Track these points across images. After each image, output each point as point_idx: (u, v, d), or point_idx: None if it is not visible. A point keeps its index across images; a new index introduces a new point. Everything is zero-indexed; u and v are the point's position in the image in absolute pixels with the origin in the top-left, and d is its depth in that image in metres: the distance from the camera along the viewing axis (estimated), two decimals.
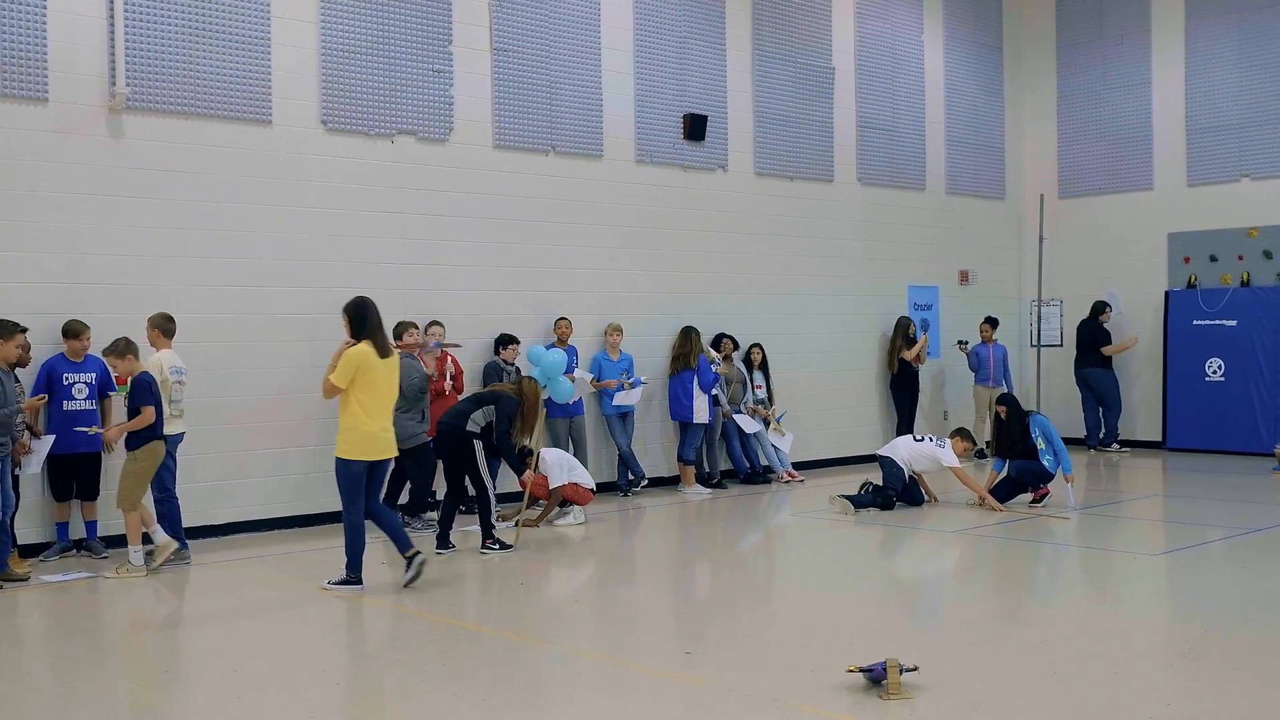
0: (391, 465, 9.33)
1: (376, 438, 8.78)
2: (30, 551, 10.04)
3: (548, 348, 12.71)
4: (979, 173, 18.41)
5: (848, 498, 12.05)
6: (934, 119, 17.75)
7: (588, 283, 13.83)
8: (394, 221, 12.32)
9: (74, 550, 10.32)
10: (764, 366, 15.19)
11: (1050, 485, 12.31)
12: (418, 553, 8.81)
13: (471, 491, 10.56)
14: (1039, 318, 18.73)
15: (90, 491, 10.27)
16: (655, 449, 14.39)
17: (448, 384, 12.17)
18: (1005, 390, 16.89)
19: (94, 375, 10.18)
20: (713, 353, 14.37)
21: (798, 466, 15.23)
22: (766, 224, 15.60)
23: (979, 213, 18.43)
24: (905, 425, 16.62)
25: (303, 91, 11.73)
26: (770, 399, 15.19)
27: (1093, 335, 17.75)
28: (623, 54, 14.16)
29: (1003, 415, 12.42)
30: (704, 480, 14.34)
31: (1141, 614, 8.05)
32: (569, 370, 12.94)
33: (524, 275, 13.27)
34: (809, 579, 9.56)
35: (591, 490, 11.87)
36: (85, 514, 10.34)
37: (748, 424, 14.63)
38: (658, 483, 14.19)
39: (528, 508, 11.50)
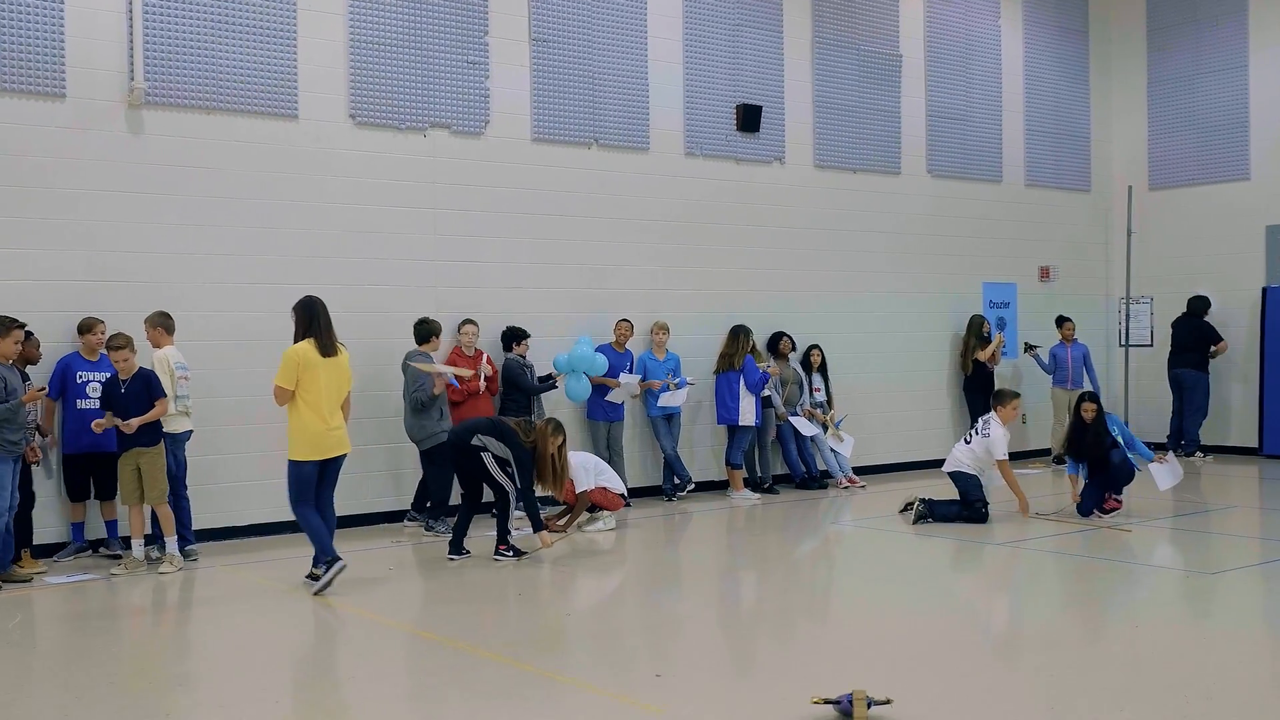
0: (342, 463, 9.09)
1: (325, 437, 8.72)
2: (47, 552, 9.95)
3: (596, 349, 12.44)
4: (1062, 163, 17.52)
5: (925, 505, 11.23)
6: (1012, 107, 16.92)
7: (633, 280, 13.39)
8: (426, 217, 12.03)
9: (91, 550, 10.20)
10: (823, 369, 14.56)
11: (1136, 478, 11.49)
12: (338, 559, 8.65)
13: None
14: (1127, 316, 17.76)
15: (108, 491, 10.13)
16: (704, 452, 13.88)
17: (481, 383, 11.81)
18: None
19: (109, 374, 10.03)
20: (764, 353, 13.83)
21: (860, 471, 14.58)
22: (827, 218, 14.98)
23: (1062, 205, 17.54)
24: None
25: (330, 85, 11.49)
26: (829, 402, 14.57)
27: (1192, 333, 16.71)
28: (671, 43, 13.68)
29: (1089, 415, 11.41)
30: (756, 485, 13.80)
31: (1214, 639, 7.33)
32: (614, 375, 12.55)
33: (564, 272, 12.89)
34: (830, 593, 9.00)
35: (622, 495, 11.42)
36: (105, 514, 10.22)
37: (805, 426, 14.04)
38: (707, 487, 13.68)
39: (568, 518, 11.16)
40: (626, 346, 12.97)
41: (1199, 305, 16.83)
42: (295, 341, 8.88)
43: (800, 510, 12.71)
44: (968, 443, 11.66)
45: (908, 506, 11.48)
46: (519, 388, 12.13)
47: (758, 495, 13.41)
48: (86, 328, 9.99)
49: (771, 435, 14.02)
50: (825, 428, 14.25)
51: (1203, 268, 17.21)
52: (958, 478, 11.47)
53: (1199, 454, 16.45)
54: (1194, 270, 17.28)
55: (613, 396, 12.65)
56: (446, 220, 12.14)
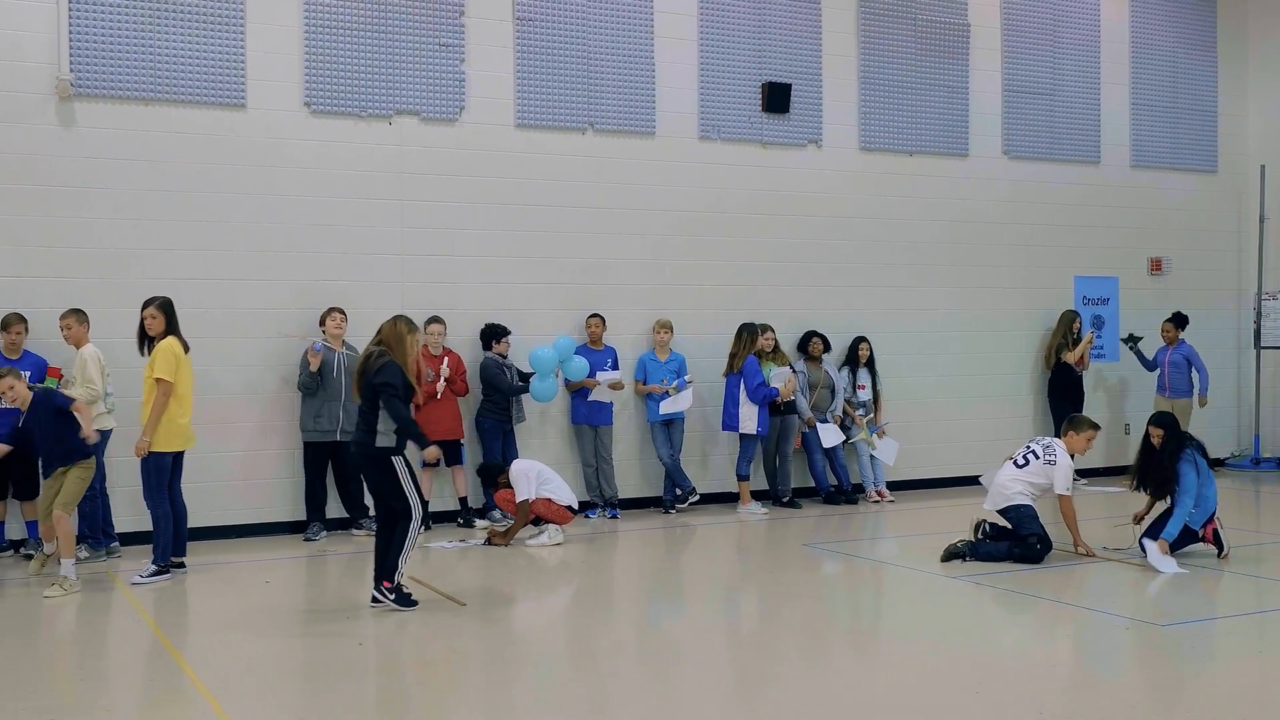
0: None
1: (187, 429, 9.09)
2: None
3: (577, 350, 11.64)
4: (1180, 142, 15.49)
5: (965, 544, 9.34)
6: (1114, 79, 15.05)
7: (635, 275, 12.44)
8: (392, 209, 11.44)
9: (12, 551, 10.05)
10: (870, 364, 13.21)
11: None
12: (170, 570, 8.70)
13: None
14: (1259, 313, 15.58)
15: (27, 489, 9.94)
16: (720, 461, 12.79)
17: (440, 385, 11.13)
18: (1197, 398, 14.19)
19: (28, 372, 9.83)
20: (786, 355, 12.64)
21: (912, 486, 13.22)
22: (875, 206, 13.61)
23: (1179, 189, 15.51)
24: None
25: (282, 73, 11.03)
26: (876, 403, 13.22)
27: None
28: (683, 18, 12.66)
29: (1155, 441, 9.42)
30: (776, 498, 12.63)
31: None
32: (591, 374, 11.68)
33: (553, 267, 12.07)
34: (749, 636, 7.86)
35: (570, 507, 10.50)
36: (25, 514, 10.05)
37: (829, 436, 12.76)
38: (721, 499, 12.60)
39: (509, 530, 10.37)
40: (605, 343, 12.03)
41: None
42: (153, 337, 8.95)
43: (804, 529, 11.48)
44: (1019, 466, 9.67)
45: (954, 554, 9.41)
46: (497, 388, 11.42)
47: (765, 509, 12.24)
48: (6, 326, 9.82)
49: (795, 444, 12.81)
50: (863, 430, 12.92)
51: None
52: (1009, 513, 9.49)
53: None
54: None
55: (596, 395, 11.75)
56: (415, 212, 11.51)
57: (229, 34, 10.83)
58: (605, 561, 10.09)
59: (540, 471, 10.48)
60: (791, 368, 12.65)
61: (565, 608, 8.63)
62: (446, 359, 11.26)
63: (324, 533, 10.81)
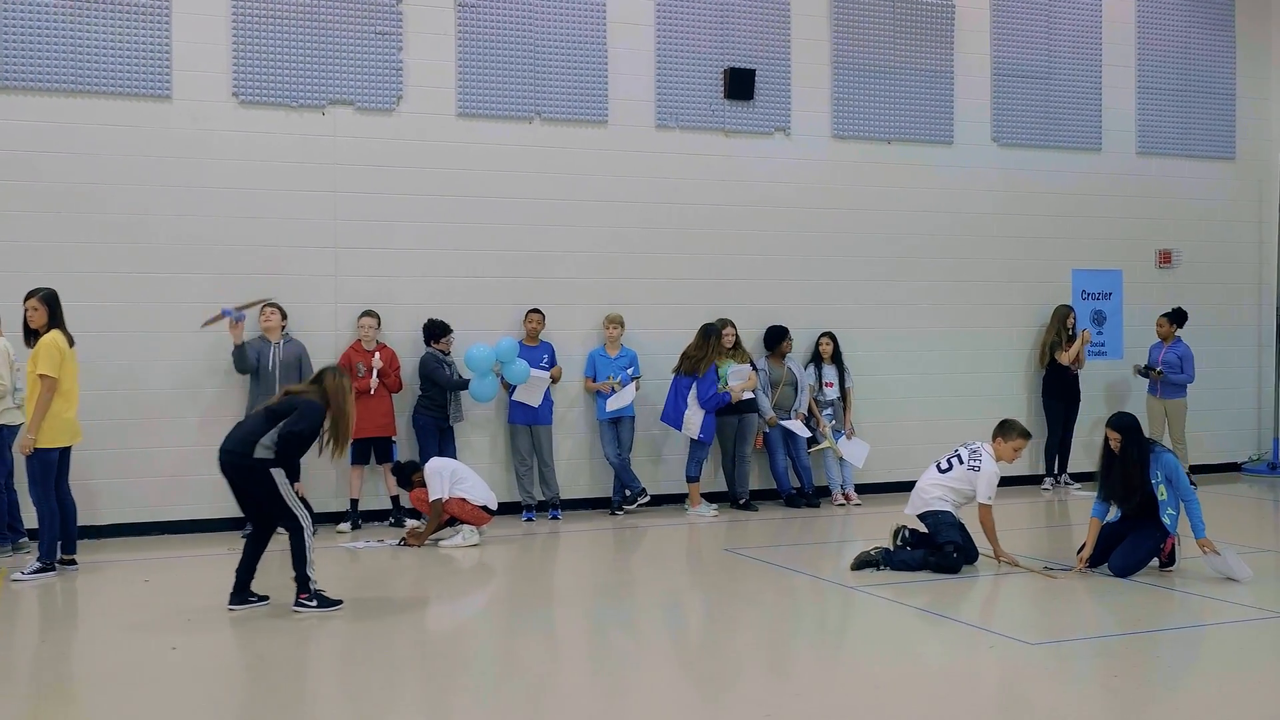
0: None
1: (74, 424, 8.93)
2: None
3: (520, 350, 11.31)
4: (1193, 127, 14.60)
5: (880, 552, 8.77)
6: (1118, 61, 14.23)
7: (586, 269, 12.05)
8: (325, 201, 11.21)
9: None
10: (837, 360, 12.63)
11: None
12: (54, 567, 8.39)
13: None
14: (1278, 309, 14.63)
15: None
16: (676, 461, 12.24)
17: (373, 381, 10.87)
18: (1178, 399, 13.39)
19: None
20: (749, 353, 12.17)
21: (885, 489, 12.63)
22: (850, 196, 13.03)
23: (1193, 177, 14.63)
24: (1055, 442, 13.45)
25: (210, 63, 10.86)
26: (844, 401, 12.64)
27: None
28: (639, 2, 12.23)
29: (1115, 444, 8.60)
30: (734, 500, 12.16)
31: None
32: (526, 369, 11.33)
33: (494, 261, 11.73)
34: (596, 647, 7.44)
35: (485, 507, 10.15)
36: None
37: (797, 427, 12.25)
38: (676, 500, 12.14)
39: (424, 531, 10.07)
40: (541, 339, 11.66)
41: None
42: (36, 330, 8.81)
43: (743, 533, 10.99)
44: (943, 470, 9.08)
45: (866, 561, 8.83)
46: (435, 382, 11.13)
47: (715, 511, 11.76)
48: None
49: (756, 444, 12.30)
50: (828, 438, 12.37)
51: None
52: (928, 518, 8.92)
53: None
54: None
55: (518, 395, 11.36)
56: (350, 204, 11.27)
57: (154, 24, 10.69)
58: (515, 564, 9.72)
59: (455, 470, 10.15)
60: (752, 365, 12.17)
61: (444, 610, 8.27)
62: (378, 354, 10.99)
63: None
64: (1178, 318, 13.62)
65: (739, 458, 12.16)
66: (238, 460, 7.69)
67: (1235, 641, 6.93)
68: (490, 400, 11.13)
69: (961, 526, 8.91)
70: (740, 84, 12.47)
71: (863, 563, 8.74)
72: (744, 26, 12.57)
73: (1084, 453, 13.53)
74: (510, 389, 11.39)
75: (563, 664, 6.73)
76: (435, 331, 11.24)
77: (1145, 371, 13.57)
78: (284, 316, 10.74)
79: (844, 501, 12.31)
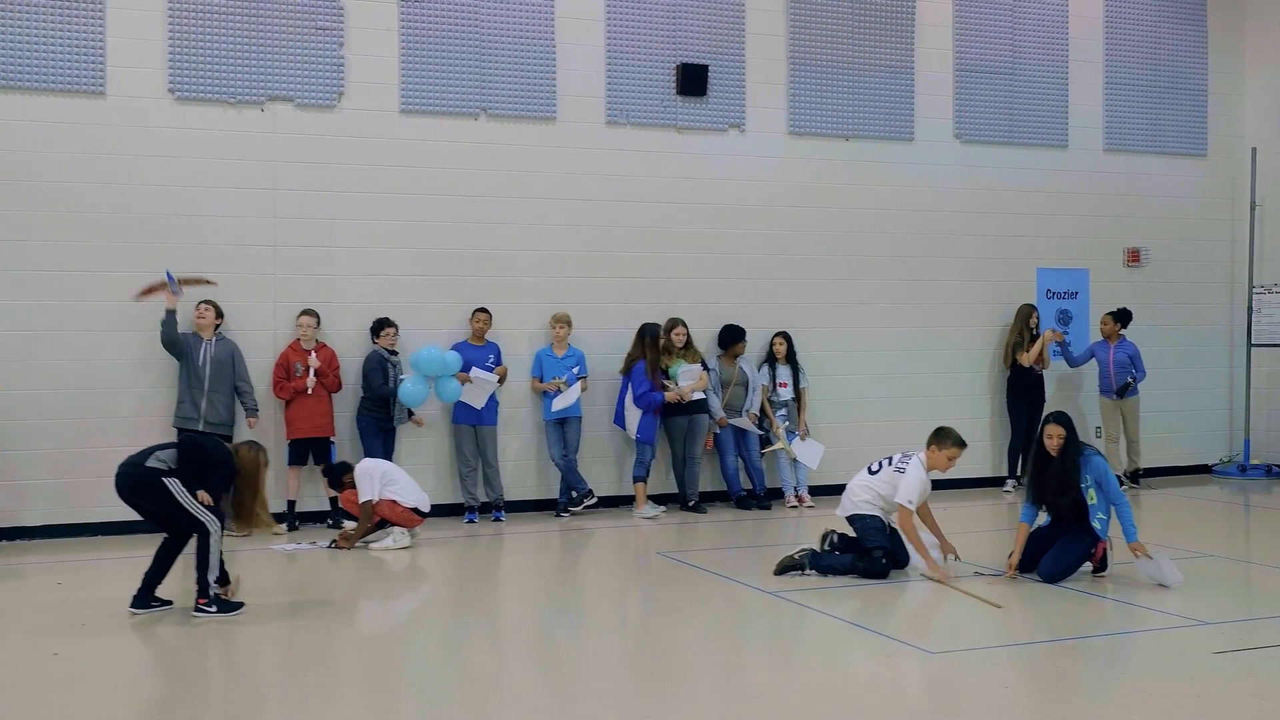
0: None
1: None
2: None
3: (452, 348, 11.17)
4: (1163, 123, 14.35)
5: (806, 555, 8.50)
6: (1085, 57, 13.99)
7: (533, 268, 11.88)
8: (264, 199, 11.06)
9: None
10: (791, 360, 12.42)
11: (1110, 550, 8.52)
12: None
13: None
14: (1249, 308, 14.38)
15: None
16: (629, 462, 12.09)
17: (311, 381, 10.72)
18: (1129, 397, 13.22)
19: None
20: (701, 352, 12.00)
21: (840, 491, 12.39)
22: (807, 193, 12.83)
23: (1163, 174, 14.37)
24: (1018, 444, 13.22)
25: (145, 58, 10.72)
26: (799, 403, 12.42)
27: None
28: None
29: (1056, 441, 8.27)
30: (684, 502, 11.98)
31: None
32: (465, 369, 11.18)
33: (439, 259, 11.57)
34: (501, 650, 7.26)
35: (416, 510, 9.99)
36: None
37: (748, 425, 12.08)
38: (627, 501, 11.94)
39: (364, 532, 9.91)
40: (488, 339, 11.50)
41: None
42: None
43: (683, 535, 10.81)
44: (872, 473, 8.81)
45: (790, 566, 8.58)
46: (370, 385, 10.99)
47: (659, 511, 11.60)
48: None
49: (707, 445, 12.11)
50: (780, 440, 12.17)
51: None
52: (855, 521, 8.69)
53: None
54: None
55: (464, 396, 11.21)
56: (289, 201, 11.12)
57: (88, 19, 10.56)
58: (441, 567, 9.54)
59: (386, 471, 10.00)
60: (704, 364, 11.99)
61: (355, 614, 8.10)
62: (316, 353, 10.85)
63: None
64: (1123, 317, 13.42)
65: (688, 459, 11.97)
66: (128, 470, 7.55)
67: (1150, 650, 6.74)
68: (419, 405, 10.96)
69: (894, 532, 8.69)
70: (693, 80, 12.28)
71: (786, 567, 8.54)
72: (697, 21, 12.38)
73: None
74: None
75: (448, 671, 6.56)
76: (375, 327, 11.10)
77: (1123, 390, 13.34)
78: (219, 315, 10.60)
79: (796, 503, 12.12)
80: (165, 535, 7.76)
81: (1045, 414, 8.62)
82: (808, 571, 8.50)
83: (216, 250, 10.88)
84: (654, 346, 11.59)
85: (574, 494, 11.61)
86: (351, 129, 11.30)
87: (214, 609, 7.45)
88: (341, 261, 11.27)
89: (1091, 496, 8.24)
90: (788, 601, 7.81)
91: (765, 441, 12.26)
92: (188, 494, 7.47)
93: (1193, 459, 14.51)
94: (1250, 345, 14.39)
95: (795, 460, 12.23)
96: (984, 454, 13.39)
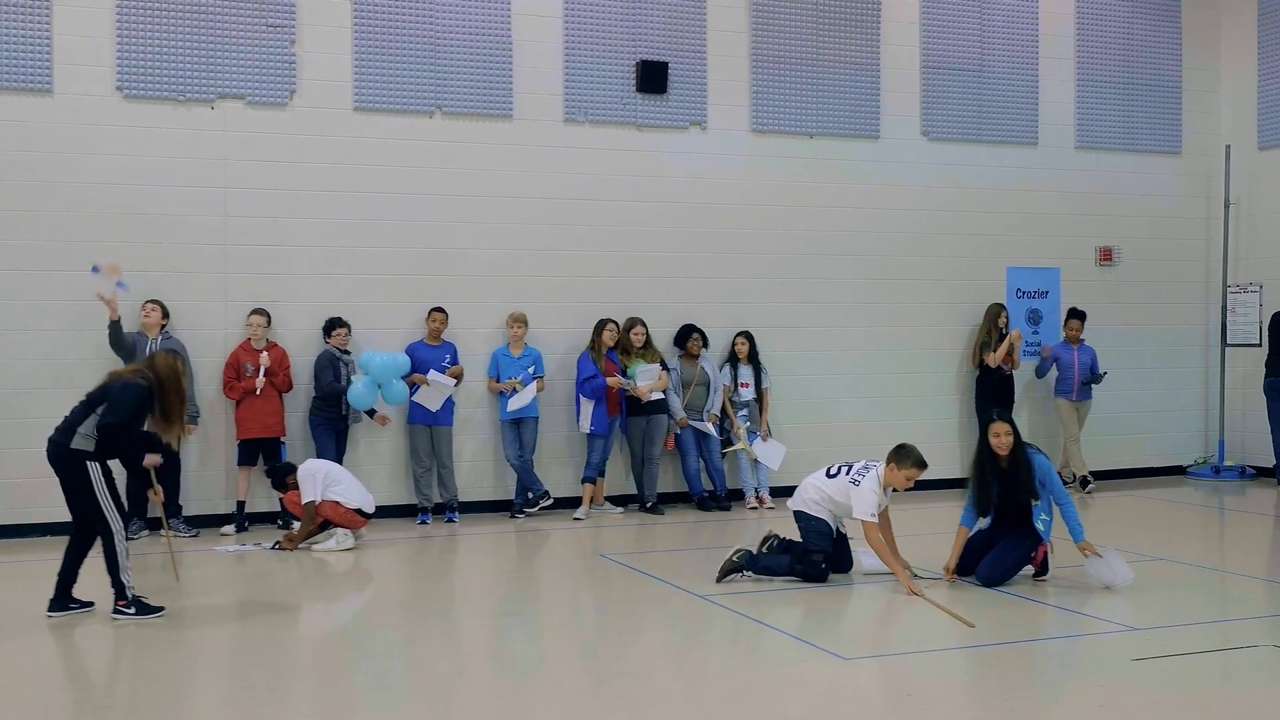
0: None
1: None
2: None
3: (408, 348, 11.09)
4: (1135, 121, 14.18)
5: (744, 556, 8.36)
6: (1056, 54, 13.84)
7: (490, 267, 11.78)
8: (215, 197, 10.98)
9: None
10: (754, 360, 12.30)
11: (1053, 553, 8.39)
12: None
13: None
14: (1224, 308, 14.21)
15: None
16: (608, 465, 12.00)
17: (260, 380, 10.64)
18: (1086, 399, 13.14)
19: None
20: (659, 351, 11.90)
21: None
22: (770, 192, 12.70)
23: (1136, 173, 14.20)
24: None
25: (93, 56, 10.66)
26: (761, 404, 12.30)
27: None
28: None
29: (1005, 440, 8.07)
30: (642, 503, 11.88)
31: None
32: (422, 370, 11.10)
33: (393, 258, 11.48)
34: (415, 655, 7.16)
35: (360, 511, 9.90)
36: None
37: (708, 429, 11.97)
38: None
39: (307, 534, 9.83)
40: (444, 338, 11.41)
41: None
42: None
43: (635, 536, 10.71)
44: (830, 475, 8.51)
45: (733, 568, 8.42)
46: (320, 384, 10.92)
47: (593, 512, 11.56)
48: None
49: (667, 445, 12.00)
50: (741, 440, 12.05)
51: None
52: (800, 517, 8.50)
53: None
54: None
55: (419, 397, 11.12)
56: (240, 200, 11.04)
57: (34, 16, 10.50)
58: (380, 569, 9.42)
59: (329, 472, 9.92)
60: (663, 364, 11.89)
61: (287, 616, 7.99)
62: (267, 353, 10.76)
63: (144, 531, 10.40)
64: (1080, 317, 13.28)
65: (647, 459, 11.86)
66: (55, 448, 7.44)
67: (1067, 657, 6.60)
68: (365, 408, 10.85)
69: (840, 538, 8.52)
70: (653, 77, 12.17)
71: (727, 571, 8.40)
72: (657, 17, 12.27)
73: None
74: (413, 389, 11.17)
75: (359, 676, 6.46)
76: (327, 326, 11.03)
77: (1096, 380, 13.24)
78: (165, 315, 10.52)
79: (757, 505, 12.01)
80: (71, 535, 7.59)
81: (990, 414, 8.42)
82: (745, 573, 8.38)
83: (167, 249, 10.81)
84: (597, 342, 11.52)
85: (530, 495, 11.51)
86: (304, 127, 11.22)
87: (133, 610, 7.37)
88: (294, 260, 11.19)
89: (1035, 497, 8.11)
90: (716, 605, 7.69)
91: (726, 443, 12.14)
92: (104, 485, 7.37)
93: (1167, 460, 14.35)
94: (1225, 345, 14.22)
95: (756, 461, 12.12)
96: (953, 455, 13.24)
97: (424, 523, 11.19)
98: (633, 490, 12.05)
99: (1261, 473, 13.79)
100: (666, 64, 12.23)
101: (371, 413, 11.03)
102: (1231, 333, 14.13)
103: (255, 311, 10.84)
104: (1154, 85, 14.26)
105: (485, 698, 5.94)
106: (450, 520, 11.29)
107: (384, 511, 11.29)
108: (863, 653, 6.57)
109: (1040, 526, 8.10)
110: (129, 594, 7.39)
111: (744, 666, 6.46)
